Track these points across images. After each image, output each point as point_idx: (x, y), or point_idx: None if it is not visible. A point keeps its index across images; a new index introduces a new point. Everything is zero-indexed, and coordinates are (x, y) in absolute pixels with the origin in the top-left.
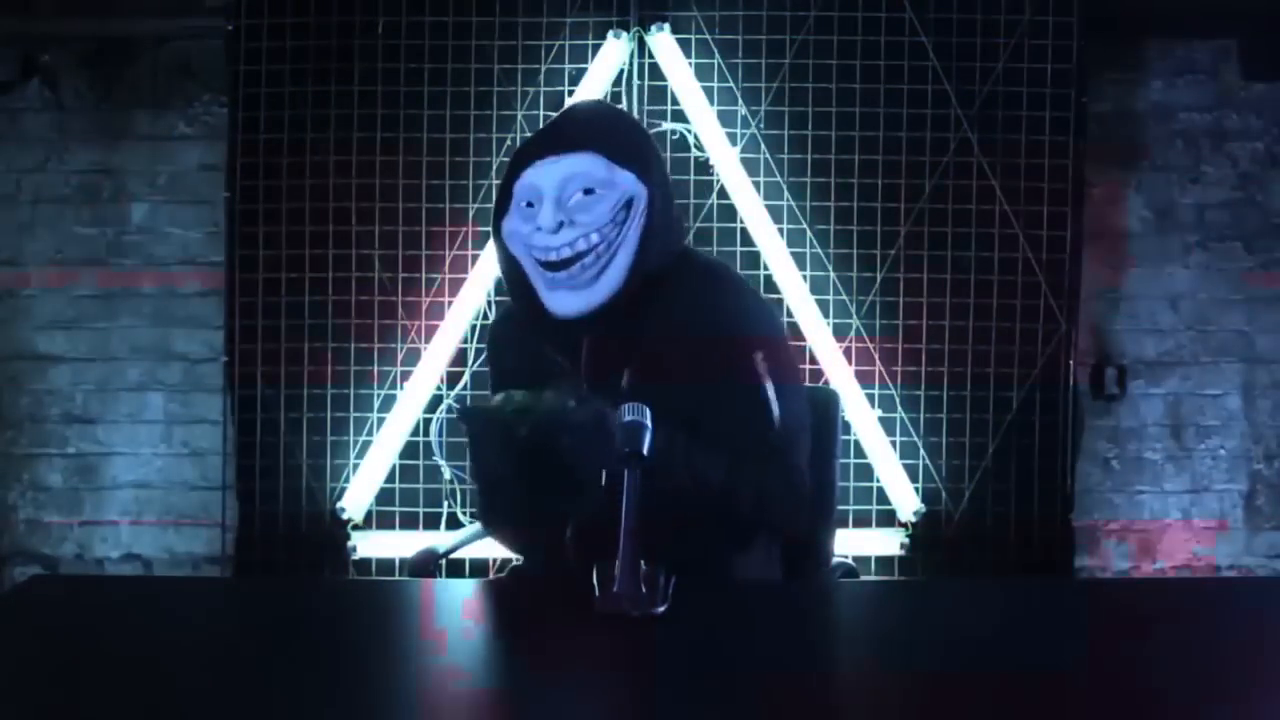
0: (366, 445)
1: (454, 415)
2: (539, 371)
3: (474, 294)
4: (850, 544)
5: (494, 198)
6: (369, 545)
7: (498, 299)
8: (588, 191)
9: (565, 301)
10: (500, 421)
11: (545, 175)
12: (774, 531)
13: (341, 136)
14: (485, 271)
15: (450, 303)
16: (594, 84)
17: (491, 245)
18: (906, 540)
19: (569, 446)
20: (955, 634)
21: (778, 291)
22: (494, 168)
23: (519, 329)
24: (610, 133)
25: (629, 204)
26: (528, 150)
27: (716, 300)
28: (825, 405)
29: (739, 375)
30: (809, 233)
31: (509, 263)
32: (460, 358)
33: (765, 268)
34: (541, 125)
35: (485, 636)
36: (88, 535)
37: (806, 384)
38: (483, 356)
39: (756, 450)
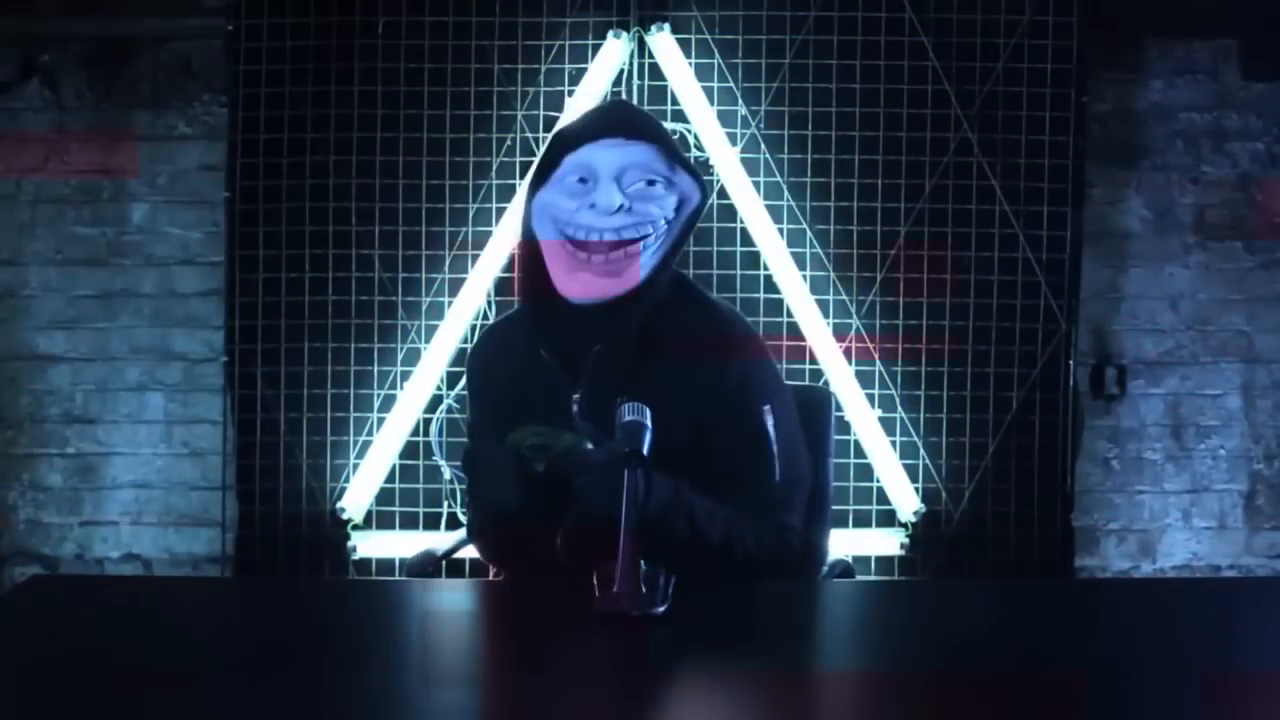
0: (366, 445)
1: (458, 465)
2: (536, 386)
3: (474, 294)
4: (850, 544)
5: (534, 168)
6: (369, 545)
7: (498, 299)
8: (650, 182)
9: (586, 285)
10: (516, 457)
11: (606, 157)
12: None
13: (341, 136)
14: (485, 271)
15: (450, 303)
16: (594, 84)
17: (494, 238)
18: (906, 540)
19: (583, 487)
20: (955, 634)
21: (778, 291)
22: (494, 168)
23: (513, 338)
24: (668, 134)
25: (680, 205)
26: (585, 128)
27: (730, 351)
28: (817, 405)
29: (747, 425)
30: (809, 233)
31: (531, 237)
32: (460, 358)
33: (765, 268)
34: (542, 125)
35: (485, 637)
36: (88, 535)
37: (804, 383)
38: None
39: (758, 499)
